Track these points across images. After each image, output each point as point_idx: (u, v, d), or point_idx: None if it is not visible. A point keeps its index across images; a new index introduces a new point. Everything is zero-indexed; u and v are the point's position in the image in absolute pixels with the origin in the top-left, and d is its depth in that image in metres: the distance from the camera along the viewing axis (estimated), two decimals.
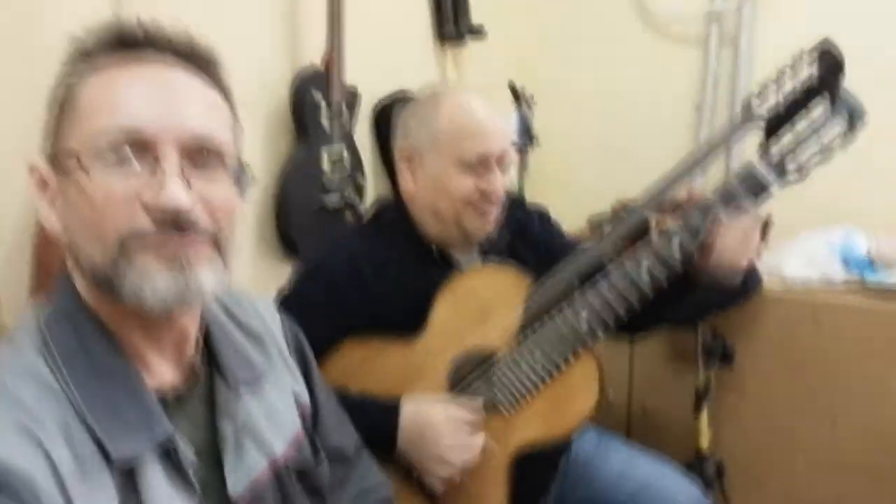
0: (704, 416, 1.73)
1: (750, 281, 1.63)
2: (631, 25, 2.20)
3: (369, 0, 1.76)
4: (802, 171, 1.10)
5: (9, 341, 0.73)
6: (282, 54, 1.64)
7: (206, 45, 0.74)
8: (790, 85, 1.09)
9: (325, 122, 1.68)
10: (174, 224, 0.67)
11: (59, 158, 0.68)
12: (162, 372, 0.75)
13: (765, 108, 1.11)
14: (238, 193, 0.75)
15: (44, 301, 0.75)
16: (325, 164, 1.70)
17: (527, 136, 2.09)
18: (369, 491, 1.01)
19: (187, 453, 0.72)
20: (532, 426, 1.22)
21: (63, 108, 0.70)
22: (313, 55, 1.66)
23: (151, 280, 0.67)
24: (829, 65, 1.07)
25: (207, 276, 0.70)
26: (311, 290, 1.29)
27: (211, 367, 0.81)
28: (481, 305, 1.24)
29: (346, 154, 1.73)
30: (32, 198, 0.72)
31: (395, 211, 1.36)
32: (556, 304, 1.19)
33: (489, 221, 1.29)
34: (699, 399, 1.73)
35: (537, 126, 2.14)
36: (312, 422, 0.95)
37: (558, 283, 1.20)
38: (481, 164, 1.25)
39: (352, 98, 1.74)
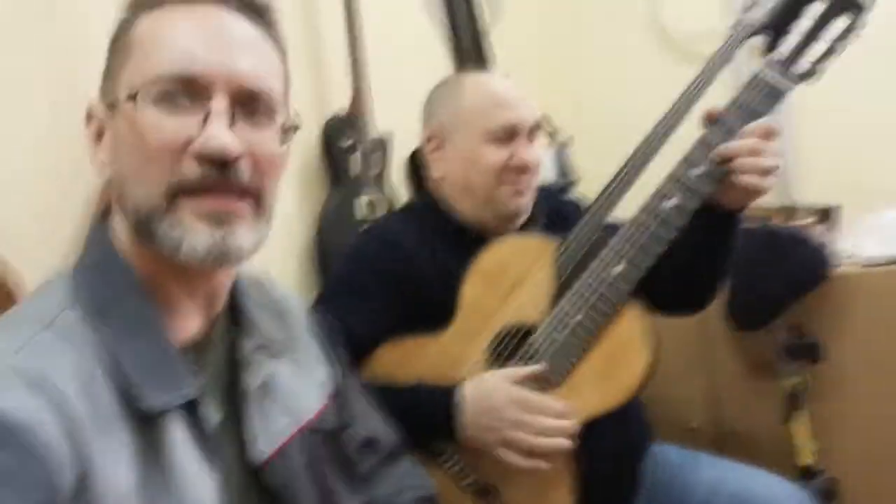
0: (802, 427, 1.53)
1: (809, 254, 1.50)
2: (653, 52, 2.21)
3: (389, 48, 1.84)
4: (813, 70, 1.04)
5: (35, 292, 0.73)
6: (310, 104, 1.72)
7: None
8: None
9: (356, 167, 1.72)
10: (219, 170, 0.67)
11: (115, 101, 0.70)
12: (190, 324, 0.74)
13: (761, 15, 1.07)
14: (285, 151, 0.75)
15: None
16: (361, 209, 1.71)
17: (565, 175, 2.07)
18: (410, 488, 0.94)
19: (211, 413, 0.70)
20: (587, 395, 1.10)
21: (119, 50, 0.71)
22: (341, 104, 1.73)
23: (191, 235, 0.67)
24: None
25: (246, 236, 0.69)
26: (353, 270, 1.27)
27: (233, 324, 0.80)
28: (510, 278, 1.16)
29: (381, 199, 1.75)
30: (88, 145, 0.74)
31: (426, 200, 1.34)
32: (587, 261, 1.11)
33: (523, 196, 1.25)
34: (791, 408, 1.54)
35: (575, 165, 2.12)
36: (339, 407, 0.91)
37: (585, 240, 1.13)
38: (509, 135, 1.23)
39: (382, 144, 1.78)
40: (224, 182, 0.67)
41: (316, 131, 1.70)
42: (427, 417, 1.09)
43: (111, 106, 0.71)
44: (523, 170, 1.23)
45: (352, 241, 1.46)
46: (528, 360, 1.13)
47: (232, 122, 0.67)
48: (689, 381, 1.71)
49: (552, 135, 2.06)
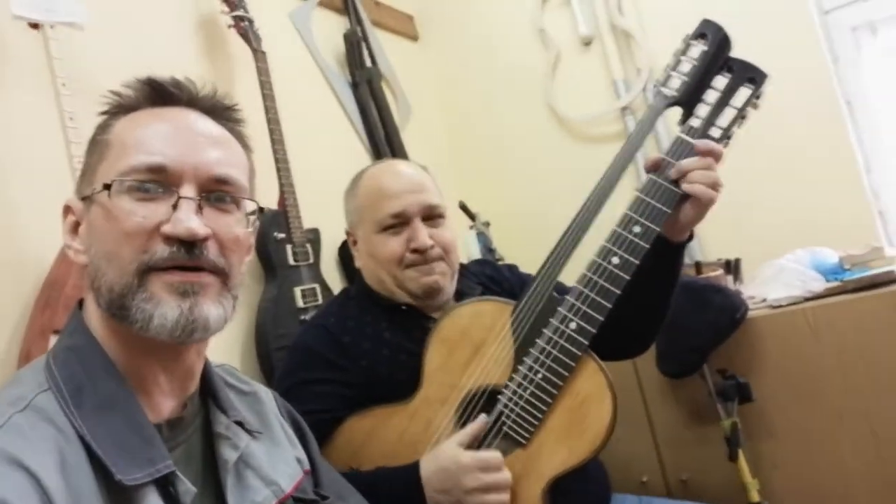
0: (744, 466, 1.61)
1: (727, 302, 1.63)
2: (553, 137, 2.37)
3: (311, 148, 1.93)
4: (726, 135, 1.17)
5: (11, 379, 0.75)
6: None
7: (228, 99, 0.83)
8: (689, 65, 1.20)
9: (290, 259, 1.74)
10: (187, 250, 0.72)
11: (92, 193, 0.75)
12: (164, 405, 0.77)
13: (674, 89, 1.20)
14: (250, 233, 0.80)
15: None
16: (298, 300, 1.72)
17: (491, 253, 2.16)
18: None
19: (187, 486, 0.71)
20: (557, 450, 1.13)
21: (96, 150, 0.77)
22: (271, 201, 1.76)
23: (161, 309, 0.71)
24: (717, 39, 1.19)
25: (212, 309, 0.74)
26: (298, 363, 1.27)
27: (208, 403, 0.83)
28: (472, 343, 1.20)
29: (317, 288, 1.77)
30: (63, 237, 0.78)
31: (358, 284, 1.38)
32: (543, 320, 1.17)
33: (431, 274, 1.29)
34: (732, 448, 1.62)
35: (498, 246, 2.22)
36: (316, 482, 0.93)
37: (539, 301, 1.18)
38: (400, 222, 1.29)
39: (313, 235, 1.81)
40: (191, 260, 0.72)
41: None
42: (394, 500, 1.10)
43: (87, 199, 0.75)
44: (423, 251, 1.28)
45: (294, 334, 1.47)
46: (495, 421, 1.16)
47: (199, 208, 0.74)
48: (633, 438, 1.77)
49: (473, 218, 2.16)
